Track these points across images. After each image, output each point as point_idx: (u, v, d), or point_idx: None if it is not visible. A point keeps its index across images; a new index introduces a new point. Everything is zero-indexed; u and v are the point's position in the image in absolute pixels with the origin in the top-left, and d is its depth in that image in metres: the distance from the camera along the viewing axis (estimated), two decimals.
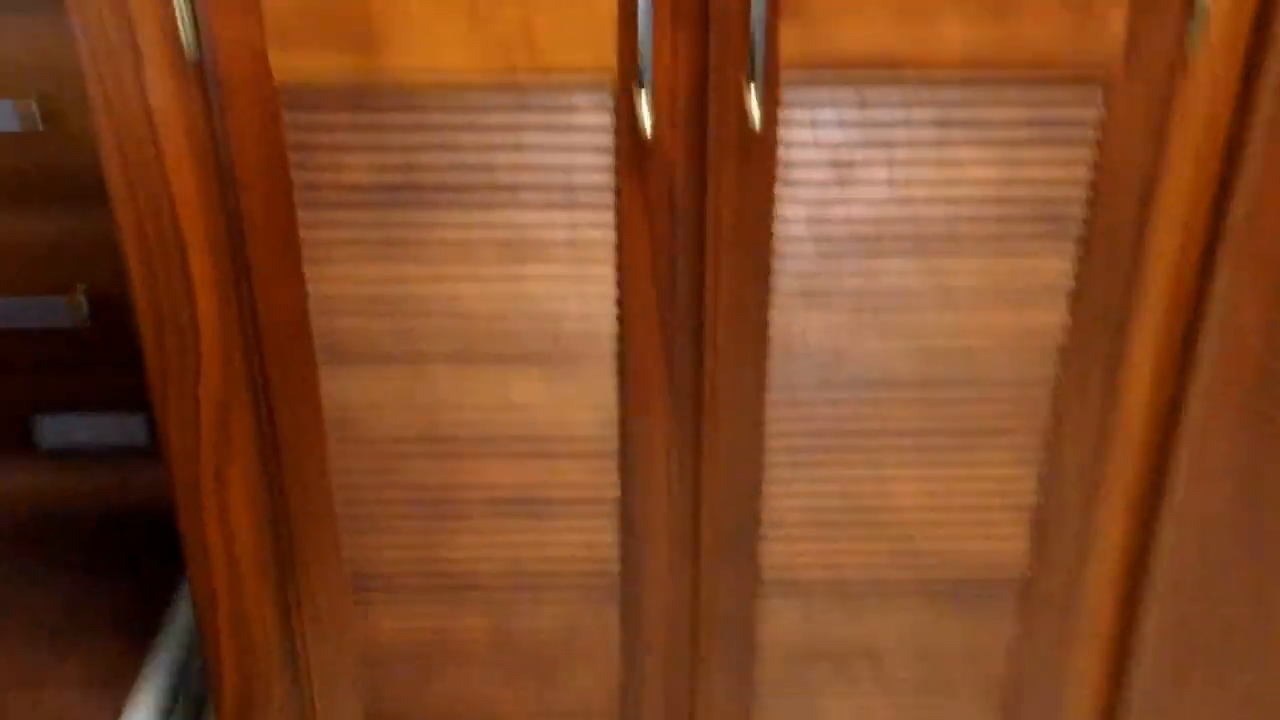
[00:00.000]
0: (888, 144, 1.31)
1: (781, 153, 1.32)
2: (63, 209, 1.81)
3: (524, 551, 1.55)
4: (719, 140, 1.30)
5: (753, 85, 1.25)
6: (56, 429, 1.96)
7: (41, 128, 1.71)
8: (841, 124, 1.30)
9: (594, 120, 1.30)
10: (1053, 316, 1.42)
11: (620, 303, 1.40)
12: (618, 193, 1.33)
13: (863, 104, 1.29)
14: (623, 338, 1.42)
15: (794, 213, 1.35)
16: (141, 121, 1.29)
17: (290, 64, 1.26)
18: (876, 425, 1.47)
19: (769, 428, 1.47)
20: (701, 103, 1.29)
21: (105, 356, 1.91)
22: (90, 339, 1.90)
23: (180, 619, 1.87)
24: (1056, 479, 1.50)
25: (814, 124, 1.30)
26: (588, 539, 1.54)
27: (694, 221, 1.36)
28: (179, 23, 1.24)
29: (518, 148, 1.31)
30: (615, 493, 1.51)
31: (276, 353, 1.42)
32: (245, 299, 1.39)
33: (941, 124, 1.30)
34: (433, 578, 1.57)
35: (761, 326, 1.41)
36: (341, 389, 1.45)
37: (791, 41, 1.25)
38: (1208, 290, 1.39)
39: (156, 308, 1.39)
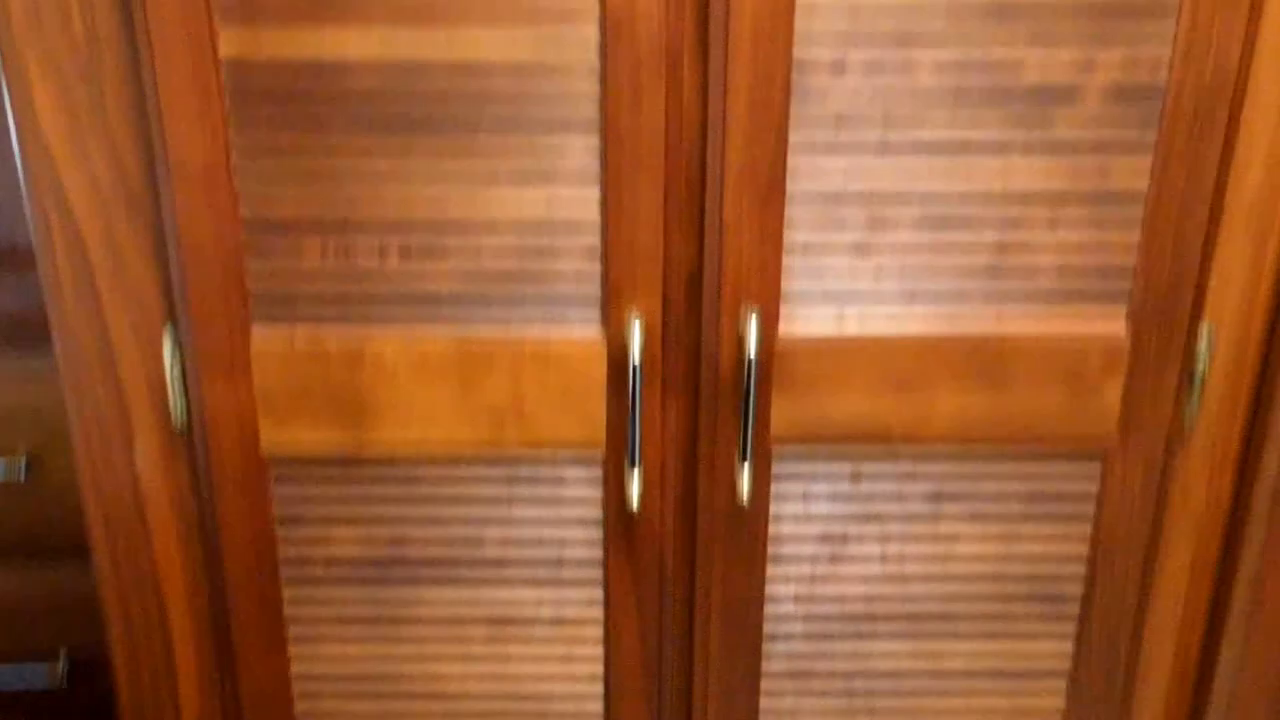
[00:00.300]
0: (880, 518, 1.26)
1: (772, 528, 1.26)
2: (40, 566, 1.68)
3: None
4: (709, 515, 1.24)
5: (745, 461, 1.18)
6: None
7: (24, 480, 1.57)
8: (833, 497, 1.25)
9: (583, 494, 1.24)
10: (1050, 701, 1.33)
11: (607, 684, 1.31)
12: (606, 568, 1.27)
13: (855, 477, 1.24)
14: None
15: (784, 590, 1.28)
16: (127, 489, 1.23)
17: (280, 436, 1.20)
18: None
19: None
20: (691, 476, 1.24)
21: None
22: (68, 703, 1.74)
23: None
24: None
25: (805, 497, 1.25)
26: None
27: (683, 598, 1.28)
28: (169, 391, 1.18)
29: (506, 521, 1.25)
30: None
31: None
32: (228, 675, 1.30)
33: (935, 498, 1.25)
34: None
35: (751, 711, 1.32)
36: None
37: (783, 414, 1.20)
38: (1211, 673, 1.31)
39: (136, 681, 1.30)
